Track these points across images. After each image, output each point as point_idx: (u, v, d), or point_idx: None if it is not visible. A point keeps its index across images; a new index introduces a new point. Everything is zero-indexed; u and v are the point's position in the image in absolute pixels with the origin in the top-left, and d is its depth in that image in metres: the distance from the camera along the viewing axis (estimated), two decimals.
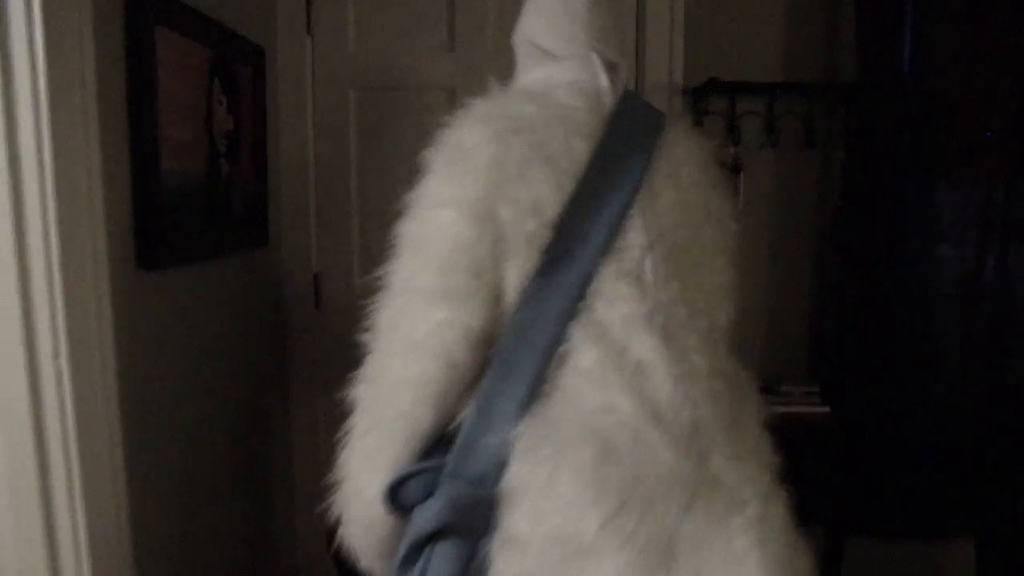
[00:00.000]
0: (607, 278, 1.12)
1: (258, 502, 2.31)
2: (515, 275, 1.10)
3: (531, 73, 1.25)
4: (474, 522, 1.09)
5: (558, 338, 1.10)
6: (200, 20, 1.78)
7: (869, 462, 2.34)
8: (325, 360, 2.49)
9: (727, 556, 1.07)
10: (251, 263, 2.19)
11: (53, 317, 1.30)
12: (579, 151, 1.13)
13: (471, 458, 1.10)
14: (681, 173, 1.21)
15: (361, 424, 1.14)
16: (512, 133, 1.11)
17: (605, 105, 1.18)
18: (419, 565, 1.12)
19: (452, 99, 2.42)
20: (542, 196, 1.10)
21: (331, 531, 1.24)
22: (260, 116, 2.19)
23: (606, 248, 1.11)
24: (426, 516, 1.09)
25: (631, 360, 1.10)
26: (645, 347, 1.10)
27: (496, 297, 1.10)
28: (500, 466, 1.08)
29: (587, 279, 1.11)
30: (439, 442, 1.12)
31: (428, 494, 1.10)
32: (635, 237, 1.13)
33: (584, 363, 1.09)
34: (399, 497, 1.11)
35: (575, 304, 1.11)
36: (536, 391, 1.09)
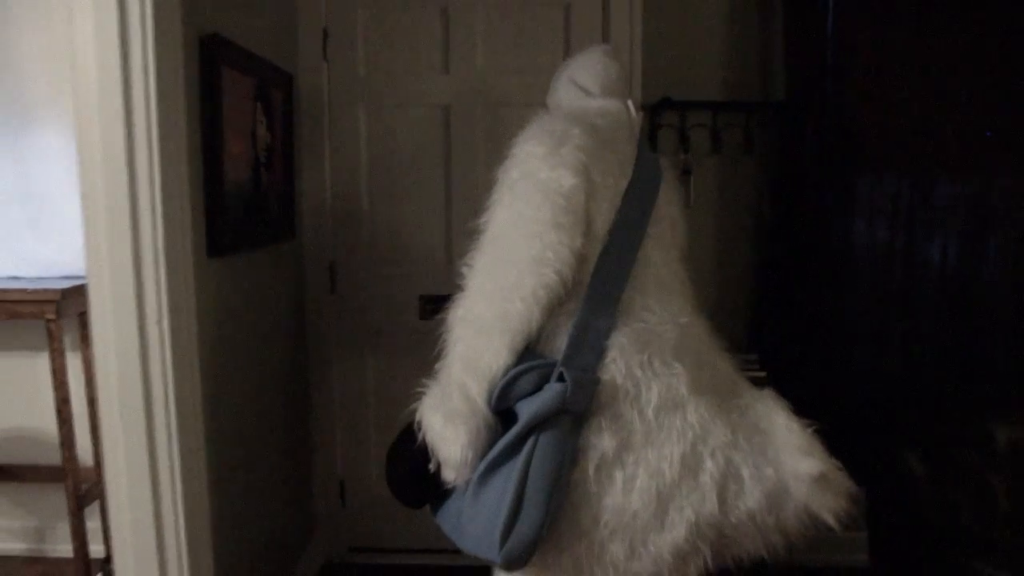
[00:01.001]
0: (655, 233, 1.64)
1: (294, 433, 2.75)
2: (600, 217, 1.56)
3: (573, 102, 1.79)
4: (582, 402, 1.47)
5: (630, 271, 1.58)
6: (248, 57, 2.21)
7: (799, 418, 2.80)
8: (337, 333, 2.97)
9: (755, 398, 1.61)
10: (283, 253, 2.63)
11: (158, 293, 1.74)
12: (630, 152, 1.66)
13: (578, 354, 1.50)
14: (667, 198, 1.73)
15: (472, 327, 1.50)
16: (592, 129, 1.61)
17: (635, 132, 1.73)
18: (523, 455, 1.45)
19: (446, 114, 2.86)
20: (614, 171, 1.60)
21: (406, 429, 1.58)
22: (289, 131, 2.62)
23: (653, 215, 1.65)
24: (547, 397, 1.45)
25: (672, 290, 1.65)
26: (681, 283, 1.68)
27: (586, 230, 1.54)
28: (599, 359, 1.51)
29: (643, 233, 1.61)
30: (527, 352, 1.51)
31: (536, 388, 1.47)
32: (660, 217, 1.67)
33: (647, 288, 1.60)
34: (511, 392, 1.47)
35: (639, 249, 1.60)
36: (619, 305, 1.55)
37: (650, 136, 2.78)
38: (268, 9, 2.50)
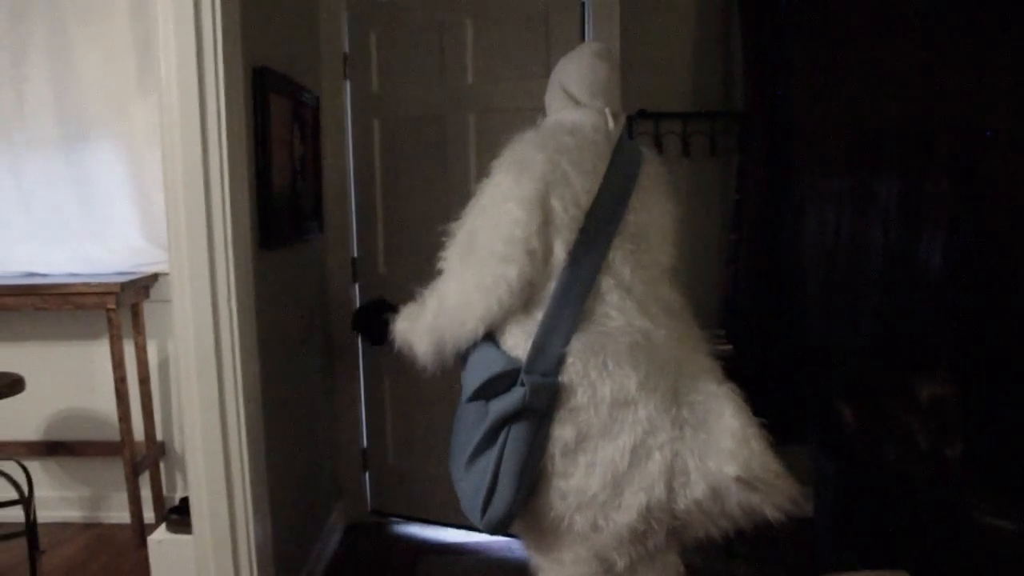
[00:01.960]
0: (620, 245, 1.82)
1: (322, 406, 3.17)
2: (560, 244, 1.77)
3: (563, 112, 1.94)
4: (542, 402, 1.73)
5: (592, 282, 1.79)
6: (287, 82, 2.63)
7: (757, 385, 3.22)
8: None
9: (708, 394, 1.78)
10: (314, 247, 3.05)
11: (227, 278, 2.15)
12: (600, 168, 1.84)
13: (540, 359, 1.77)
14: (649, 185, 1.92)
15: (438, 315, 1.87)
16: (558, 153, 1.80)
17: (612, 140, 1.89)
18: (498, 444, 1.77)
19: (442, 123, 3.19)
20: (580, 194, 1.79)
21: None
22: (317, 142, 3.04)
23: (617, 230, 1.83)
24: (512, 399, 1.74)
25: (636, 295, 1.83)
26: (641, 288, 1.84)
27: (544, 261, 1.78)
28: (559, 363, 1.76)
29: (609, 246, 1.81)
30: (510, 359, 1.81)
31: (505, 390, 1.77)
32: (631, 225, 1.85)
33: (611, 298, 1.81)
34: (490, 389, 1.78)
35: (602, 261, 1.81)
36: (580, 315, 1.78)
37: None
38: (299, 40, 2.92)
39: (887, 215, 3.13)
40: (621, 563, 1.80)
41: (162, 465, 3.55)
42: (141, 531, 3.34)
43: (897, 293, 3.13)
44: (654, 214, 1.93)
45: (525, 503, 1.83)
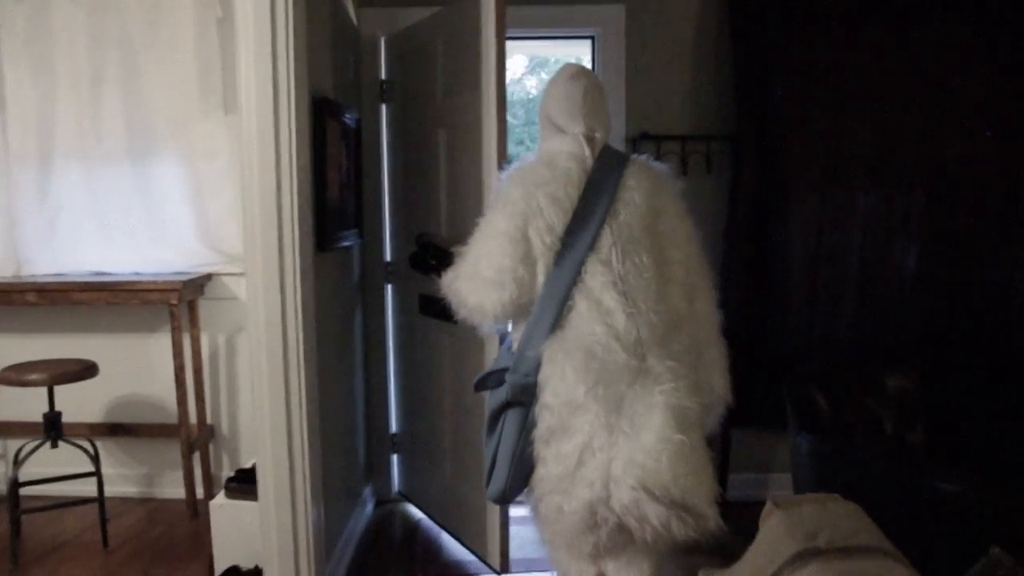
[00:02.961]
0: (591, 263, 2.02)
1: (357, 393, 3.56)
2: (542, 268, 2.05)
3: (548, 141, 2.20)
4: (525, 397, 2.04)
5: (566, 297, 2.02)
6: (337, 108, 3.03)
7: (749, 377, 3.61)
8: (389, 315, 3.78)
9: (649, 405, 1.90)
10: (355, 251, 3.45)
11: (293, 275, 2.54)
12: (573, 195, 2.07)
13: (521, 363, 2.06)
14: (632, 198, 2.07)
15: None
16: (535, 187, 2.07)
17: (587, 165, 2.11)
18: (497, 428, 2.16)
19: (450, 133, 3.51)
20: (554, 223, 2.04)
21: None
22: (358, 158, 3.45)
23: (591, 247, 2.03)
24: (499, 395, 2.12)
25: (604, 307, 1.99)
26: (611, 299, 1.99)
27: (532, 280, 2.05)
28: (537, 366, 2.01)
29: (581, 264, 2.02)
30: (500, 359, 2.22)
31: (498, 384, 2.15)
32: (606, 239, 2.03)
33: (580, 309, 2.00)
34: (484, 384, 2.19)
35: (575, 278, 2.02)
36: (554, 326, 2.01)
37: None
38: (344, 69, 3.34)
39: (862, 226, 3.53)
40: (585, 549, 2.05)
41: (211, 446, 3.94)
42: (194, 504, 3.74)
43: (871, 296, 3.52)
44: (642, 213, 2.09)
45: (523, 482, 2.14)
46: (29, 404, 3.65)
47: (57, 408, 3.32)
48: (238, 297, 3.84)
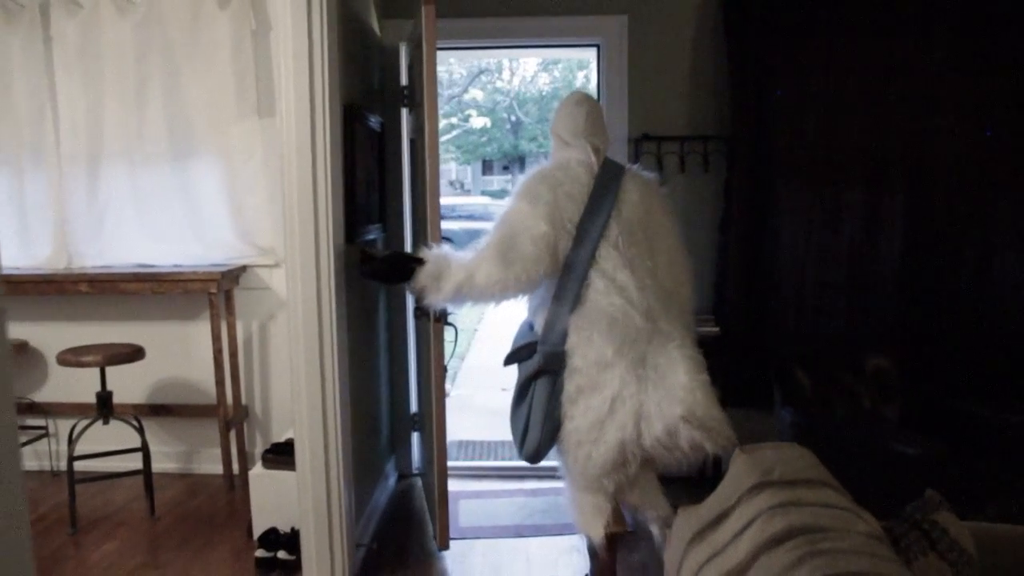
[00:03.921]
0: (604, 247, 2.48)
1: (379, 374, 3.87)
2: (562, 250, 2.50)
3: (559, 152, 2.69)
4: (555, 364, 2.47)
5: (584, 276, 2.47)
6: (364, 113, 3.34)
7: (741, 361, 3.90)
8: (410, 303, 4.06)
9: (669, 358, 2.31)
10: (379, 243, 3.76)
11: (330, 262, 2.86)
12: (585, 193, 2.53)
13: (551, 335, 2.49)
14: (630, 198, 2.56)
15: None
16: (557, 186, 2.54)
17: (594, 170, 2.59)
18: (527, 396, 2.59)
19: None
20: (572, 214, 2.51)
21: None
22: (381, 158, 3.76)
23: (602, 235, 2.49)
24: (531, 365, 2.56)
25: (618, 283, 2.44)
26: (624, 276, 2.45)
27: (554, 259, 2.48)
28: (564, 336, 2.45)
29: (595, 249, 2.48)
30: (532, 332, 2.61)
31: (529, 356, 2.59)
32: (614, 229, 2.50)
33: (597, 286, 2.45)
34: (517, 356, 2.62)
35: (591, 260, 2.47)
36: (577, 301, 2.46)
37: (634, 161, 3.88)
38: (371, 79, 3.65)
39: (848, 222, 3.80)
40: (610, 487, 2.45)
41: (245, 425, 4.26)
42: (230, 478, 4.06)
43: (855, 287, 3.80)
44: (638, 211, 2.56)
45: (552, 440, 2.55)
46: (78, 388, 3.99)
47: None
48: (270, 287, 4.16)
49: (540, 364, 2.52)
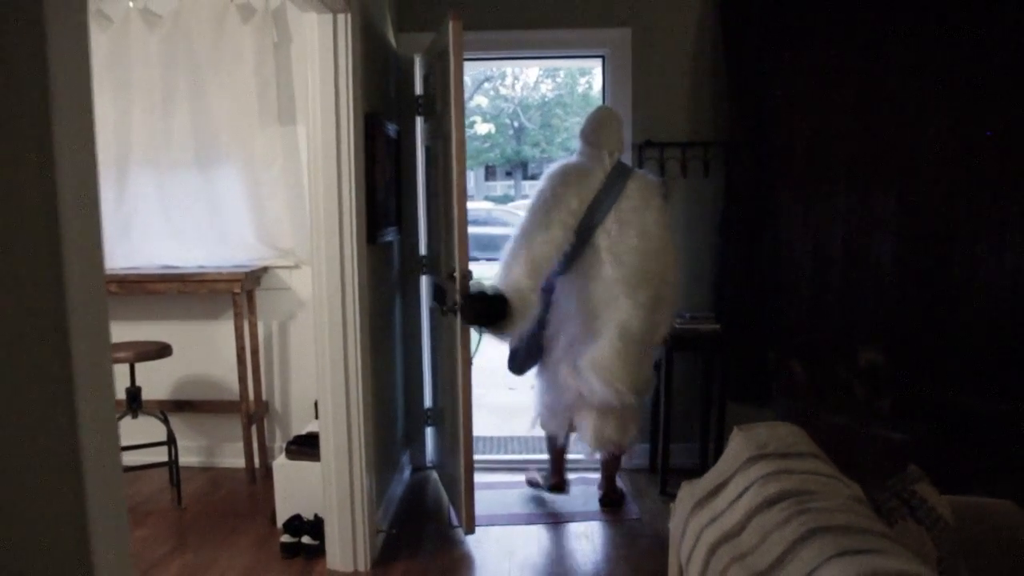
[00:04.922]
0: (599, 232, 3.43)
1: (395, 371, 4.05)
2: (570, 234, 3.34)
3: (581, 152, 3.57)
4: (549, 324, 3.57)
5: (580, 255, 3.46)
6: (382, 121, 3.53)
7: (740, 357, 4.08)
8: (424, 302, 4.25)
9: (609, 323, 3.36)
10: (395, 245, 3.95)
11: (353, 261, 3.04)
12: (595, 188, 3.45)
13: (551, 306, 3.51)
14: (631, 195, 3.40)
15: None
16: (572, 184, 3.44)
17: (607, 170, 3.42)
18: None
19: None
20: (579, 207, 3.42)
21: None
22: (398, 164, 3.95)
23: (601, 223, 3.39)
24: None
25: (599, 258, 3.42)
26: (605, 254, 3.42)
27: (573, 231, 3.37)
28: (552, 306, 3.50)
29: (593, 233, 3.36)
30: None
31: (529, 356, 3.69)
32: (611, 219, 3.42)
33: (585, 258, 3.46)
34: (515, 361, 3.52)
35: (588, 241, 3.41)
36: (570, 271, 3.51)
37: (639, 166, 4.07)
38: (388, 89, 3.84)
39: (843, 224, 3.98)
40: (560, 411, 3.65)
41: (265, 420, 4.44)
42: (252, 471, 4.24)
43: (850, 285, 3.98)
44: (636, 209, 3.40)
45: (534, 361, 3.75)
46: None
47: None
48: (291, 288, 4.34)
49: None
